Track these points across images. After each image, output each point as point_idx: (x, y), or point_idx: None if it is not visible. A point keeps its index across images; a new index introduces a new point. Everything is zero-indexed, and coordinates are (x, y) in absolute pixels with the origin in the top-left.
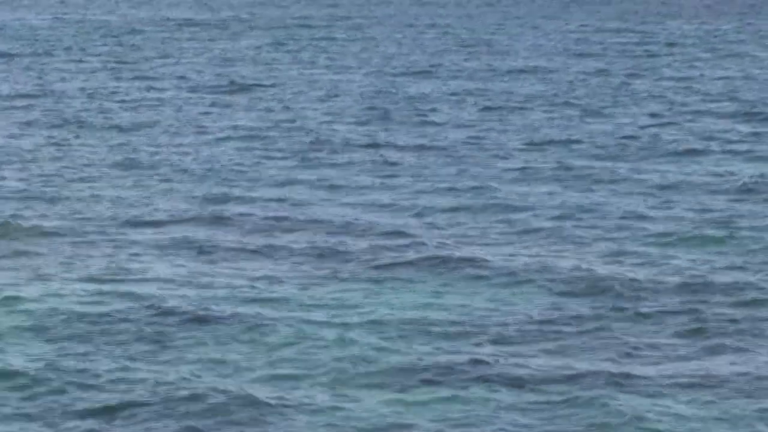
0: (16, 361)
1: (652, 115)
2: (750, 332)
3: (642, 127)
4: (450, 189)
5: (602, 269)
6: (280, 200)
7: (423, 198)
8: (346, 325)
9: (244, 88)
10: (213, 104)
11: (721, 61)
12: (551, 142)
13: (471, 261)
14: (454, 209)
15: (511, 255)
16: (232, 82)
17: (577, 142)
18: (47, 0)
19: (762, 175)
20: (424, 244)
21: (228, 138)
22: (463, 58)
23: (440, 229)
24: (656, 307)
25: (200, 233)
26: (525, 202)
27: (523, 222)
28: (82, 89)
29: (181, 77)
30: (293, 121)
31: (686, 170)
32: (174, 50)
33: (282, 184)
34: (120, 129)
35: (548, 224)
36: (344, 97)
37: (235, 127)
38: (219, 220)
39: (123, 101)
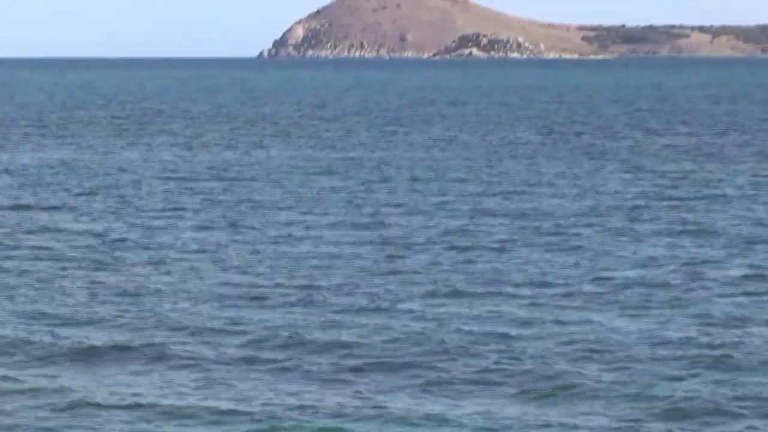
0: None
1: (651, 257)
2: None
3: (642, 269)
4: (451, 329)
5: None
6: (279, 325)
7: (417, 338)
8: None
9: (234, 225)
10: (208, 243)
11: (729, 206)
12: (551, 280)
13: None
14: (453, 343)
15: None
16: (227, 223)
17: (577, 282)
18: (36, 141)
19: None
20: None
21: (230, 271)
22: (461, 199)
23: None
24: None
25: (207, 353)
26: (524, 335)
27: (524, 353)
28: (82, 229)
29: (177, 217)
30: (286, 262)
31: (688, 310)
32: (161, 191)
33: (283, 312)
34: (123, 263)
35: (563, 365)
36: (336, 239)
37: (232, 267)
38: (233, 343)
39: (123, 240)
